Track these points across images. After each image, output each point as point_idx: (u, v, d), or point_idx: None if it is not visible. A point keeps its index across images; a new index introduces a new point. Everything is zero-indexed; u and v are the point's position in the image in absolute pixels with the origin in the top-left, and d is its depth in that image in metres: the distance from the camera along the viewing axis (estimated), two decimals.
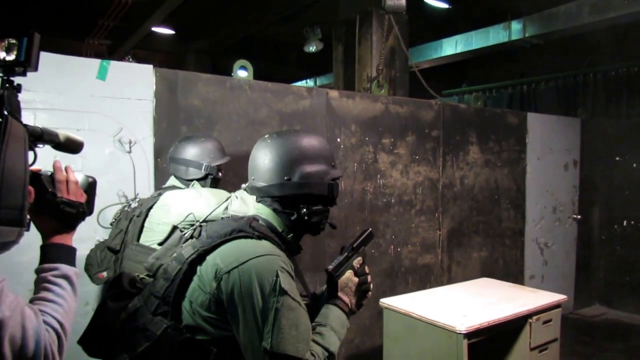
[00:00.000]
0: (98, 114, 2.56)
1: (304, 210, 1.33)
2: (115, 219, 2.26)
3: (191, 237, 1.35)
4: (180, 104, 2.81)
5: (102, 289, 2.44)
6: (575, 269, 5.28)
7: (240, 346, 1.18)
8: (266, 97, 3.11)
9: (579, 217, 5.21)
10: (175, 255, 1.31)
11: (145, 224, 2.09)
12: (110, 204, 2.47)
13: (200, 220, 1.40)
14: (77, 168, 1.31)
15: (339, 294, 1.35)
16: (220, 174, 2.34)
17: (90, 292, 2.42)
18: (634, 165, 5.19)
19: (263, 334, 1.14)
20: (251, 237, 1.25)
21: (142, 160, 2.70)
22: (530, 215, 4.79)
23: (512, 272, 4.64)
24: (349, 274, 1.38)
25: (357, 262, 1.40)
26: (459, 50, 6.69)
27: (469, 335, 2.62)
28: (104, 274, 2.12)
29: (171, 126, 2.77)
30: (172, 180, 2.34)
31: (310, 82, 10.56)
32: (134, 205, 2.26)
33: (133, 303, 1.30)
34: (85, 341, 1.29)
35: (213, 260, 1.23)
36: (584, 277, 5.36)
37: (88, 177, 1.18)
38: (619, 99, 5.88)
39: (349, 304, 1.36)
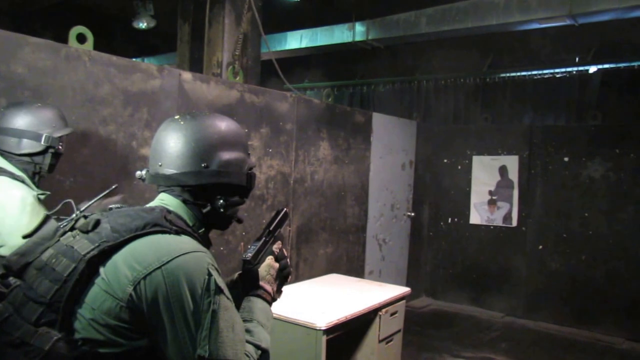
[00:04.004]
0: None
1: (221, 201, 1.25)
2: None
3: (72, 228, 1.15)
4: None
5: None
6: (407, 263, 5.90)
7: (166, 358, 1.06)
8: (109, 72, 2.81)
9: (412, 214, 5.84)
10: (60, 250, 1.11)
11: None
12: None
13: (82, 209, 1.21)
14: None
15: (261, 283, 1.31)
16: (61, 148, 2.05)
17: None
18: (459, 167, 6.00)
19: (197, 341, 1.04)
20: (169, 232, 1.13)
21: None
22: (371, 212, 5.19)
23: (354, 268, 4.98)
24: (269, 260, 1.35)
25: (276, 246, 1.38)
26: (303, 45, 6.93)
27: (328, 331, 2.74)
28: None
29: None
30: None
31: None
32: None
33: None
34: None
35: (124, 259, 1.08)
36: (414, 271, 6.03)
37: None
38: (447, 106, 6.77)
39: (271, 293, 1.33)
